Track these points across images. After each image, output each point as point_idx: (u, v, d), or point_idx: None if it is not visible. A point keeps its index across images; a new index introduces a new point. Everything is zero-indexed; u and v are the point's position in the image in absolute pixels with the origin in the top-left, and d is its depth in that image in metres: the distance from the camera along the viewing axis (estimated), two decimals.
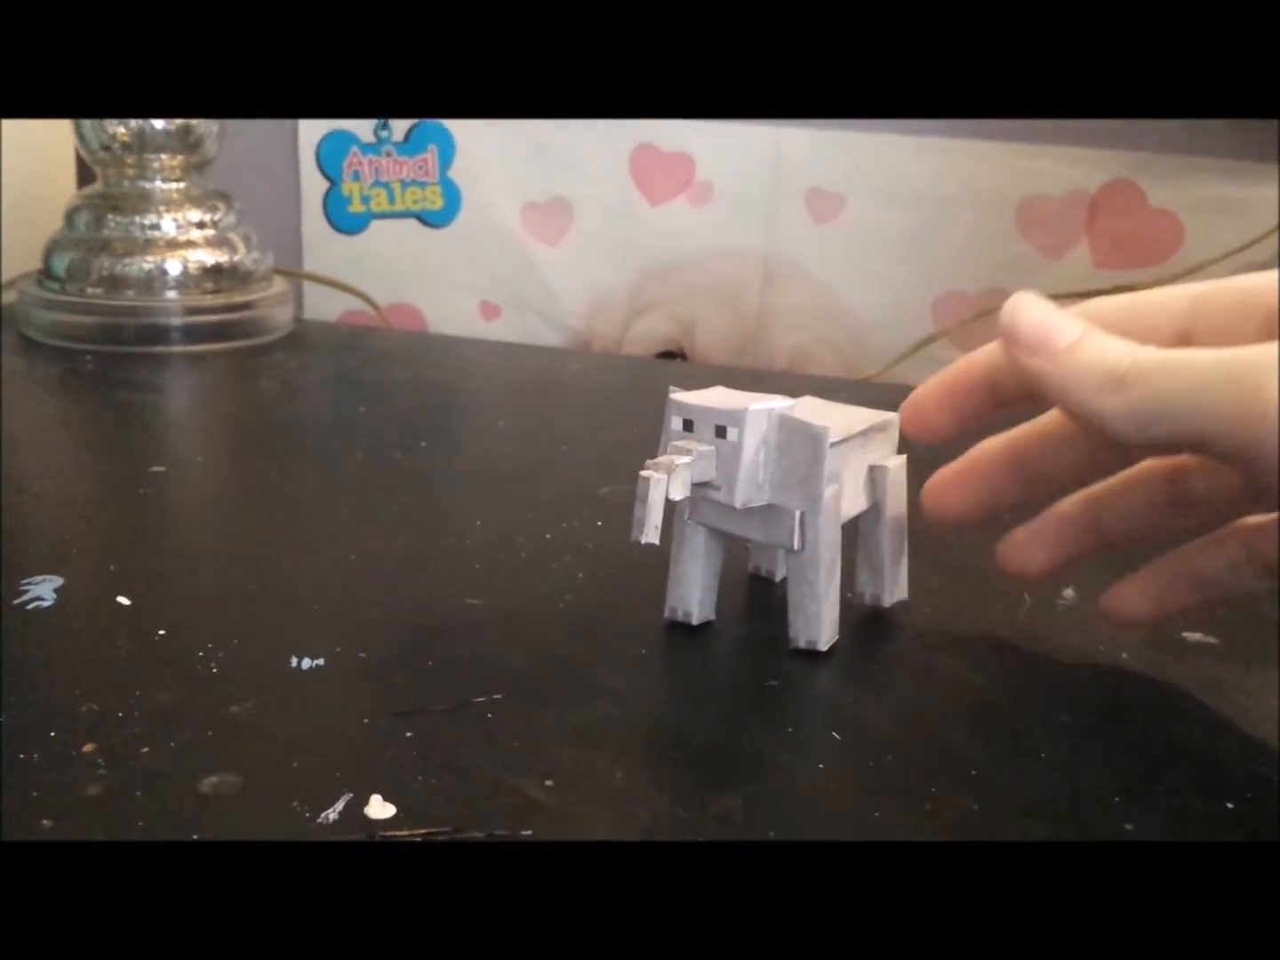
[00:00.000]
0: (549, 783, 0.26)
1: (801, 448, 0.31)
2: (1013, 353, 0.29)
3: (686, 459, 0.30)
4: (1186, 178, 0.74)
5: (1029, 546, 0.34)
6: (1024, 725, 0.30)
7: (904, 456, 0.35)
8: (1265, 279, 0.28)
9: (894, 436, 0.35)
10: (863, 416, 0.34)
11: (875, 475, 0.34)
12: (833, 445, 0.31)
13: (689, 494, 0.31)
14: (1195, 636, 0.36)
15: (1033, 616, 0.37)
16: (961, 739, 0.30)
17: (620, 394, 0.67)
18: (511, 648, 0.33)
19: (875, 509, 0.35)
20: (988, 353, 0.31)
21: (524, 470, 0.49)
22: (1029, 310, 0.29)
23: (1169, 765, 0.29)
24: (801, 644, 0.33)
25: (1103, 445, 0.30)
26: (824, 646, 0.33)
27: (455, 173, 0.84)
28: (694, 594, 0.34)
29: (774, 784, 0.27)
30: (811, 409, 0.33)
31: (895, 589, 0.36)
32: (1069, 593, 0.39)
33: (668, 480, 0.29)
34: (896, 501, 0.35)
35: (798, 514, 0.32)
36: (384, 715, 0.29)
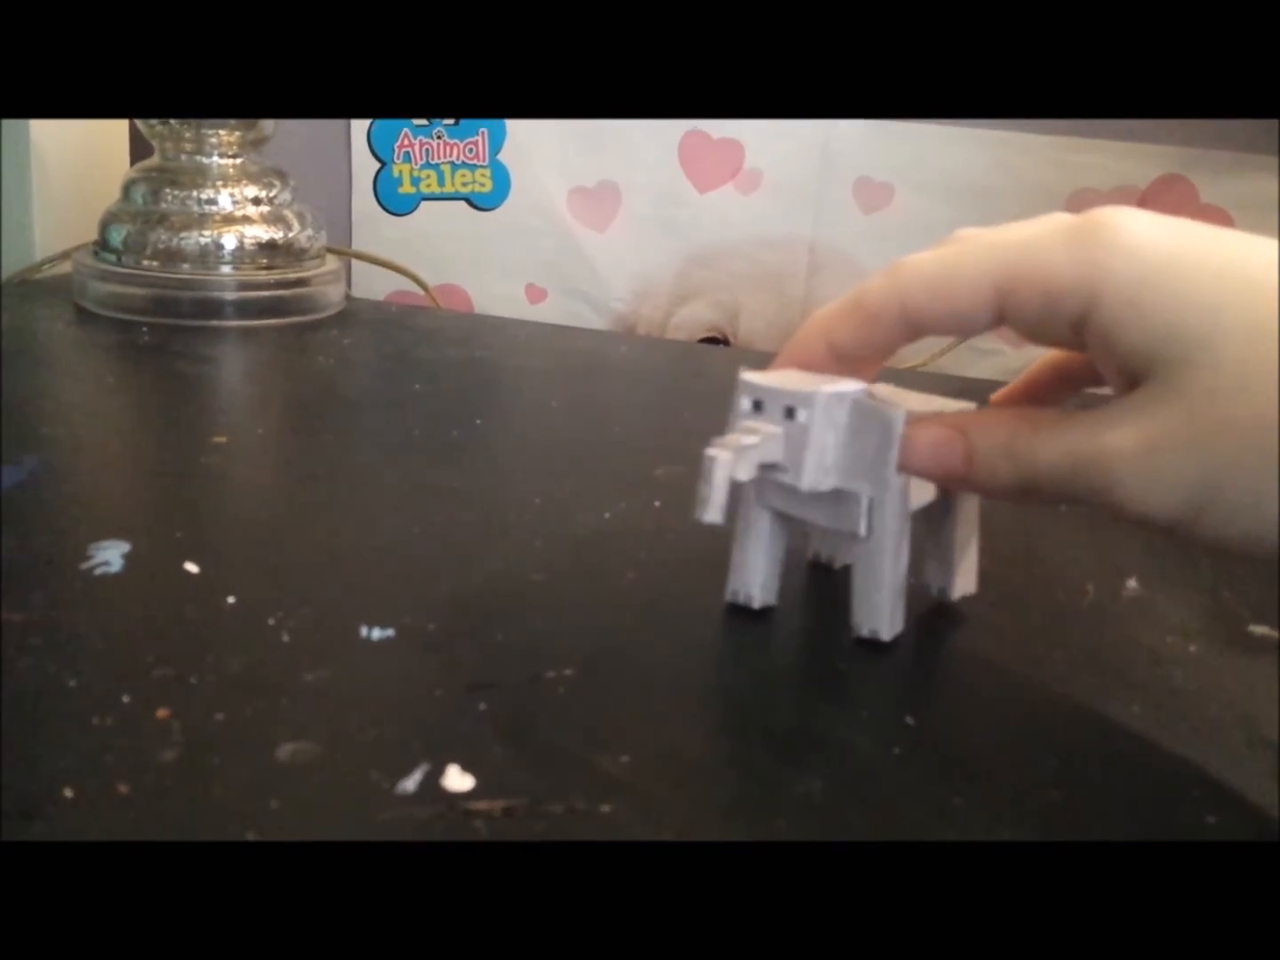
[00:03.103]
0: (624, 759, 0.26)
1: (873, 432, 0.31)
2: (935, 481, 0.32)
3: (754, 439, 0.30)
4: (1239, 175, 0.74)
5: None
6: (1098, 716, 0.30)
7: None
8: (1060, 274, 0.28)
9: None
10: (937, 405, 0.34)
11: None
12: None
13: (755, 475, 0.30)
14: (1261, 630, 0.36)
15: (1097, 607, 0.37)
16: (1035, 728, 0.29)
17: (669, 377, 0.67)
18: (578, 625, 0.33)
19: (945, 501, 0.34)
20: (816, 326, 0.32)
21: (578, 450, 0.49)
22: (917, 449, 0.31)
23: (1245, 759, 0.28)
24: (864, 633, 0.32)
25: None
26: (887, 637, 0.32)
27: (505, 156, 0.84)
28: (756, 578, 0.34)
29: (851, 767, 0.27)
30: (887, 394, 0.33)
31: (963, 582, 0.35)
32: (1132, 583, 0.38)
33: (734, 460, 0.29)
34: (968, 494, 0.34)
35: (865, 500, 0.31)
36: (456, 687, 0.29)
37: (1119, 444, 0.27)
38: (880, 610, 0.32)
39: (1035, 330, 0.29)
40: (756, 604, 0.34)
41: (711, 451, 0.29)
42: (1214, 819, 0.26)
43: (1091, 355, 0.29)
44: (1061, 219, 0.29)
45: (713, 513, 0.29)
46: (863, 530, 0.32)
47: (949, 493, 0.34)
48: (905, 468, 0.31)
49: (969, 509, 0.35)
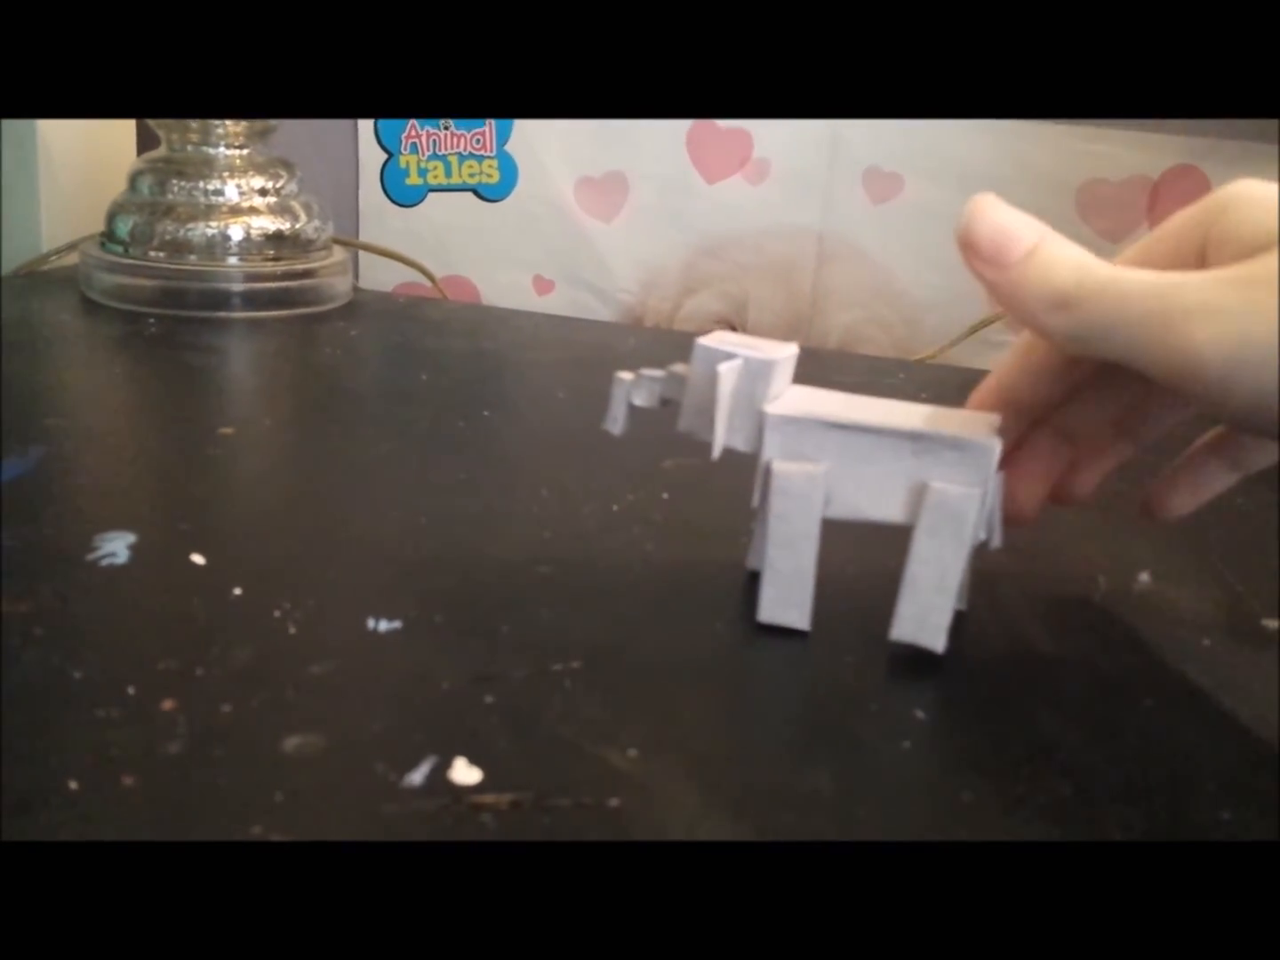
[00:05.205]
0: (632, 752, 0.26)
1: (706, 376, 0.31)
2: (968, 261, 0.29)
3: (658, 374, 0.33)
4: (1252, 165, 0.73)
5: (1171, 495, 0.34)
6: (1110, 710, 0.30)
7: (976, 491, 0.30)
8: (1253, 221, 0.27)
9: (980, 463, 0.30)
10: (918, 418, 0.31)
11: (920, 493, 0.30)
12: (835, 425, 0.31)
13: (655, 405, 0.33)
14: (1275, 624, 0.35)
15: (1109, 600, 0.36)
16: (1047, 722, 0.29)
17: None
18: (586, 617, 0.33)
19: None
20: (996, 379, 0.33)
21: (586, 442, 0.49)
22: (986, 218, 0.28)
23: (1260, 754, 0.28)
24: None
25: (1068, 367, 0.30)
26: (761, 619, 0.32)
27: (512, 147, 0.84)
28: (757, 543, 0.35)
29: (861, 761, 0.27)
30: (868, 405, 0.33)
31: (908, 628, 0.31)
32: (1144, 577, 0.38)
33: (632, 383, 0.33)
34: (934, 530, 0.30)
35: (761, 466, 0.32)
36: (463, 680, 0.29)
37: (1215, 302, 0.25)
38: (762, 592, 0.32)
39: None
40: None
41: (619, 373, 0.33)
42: (1229, 815, 0.26)
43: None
44: None
45: (609, 424, 0.34)
46: (754, 496, 0.32)
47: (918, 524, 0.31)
48: (962, 243, 0.28)
49: (931, 549, 0.30)
